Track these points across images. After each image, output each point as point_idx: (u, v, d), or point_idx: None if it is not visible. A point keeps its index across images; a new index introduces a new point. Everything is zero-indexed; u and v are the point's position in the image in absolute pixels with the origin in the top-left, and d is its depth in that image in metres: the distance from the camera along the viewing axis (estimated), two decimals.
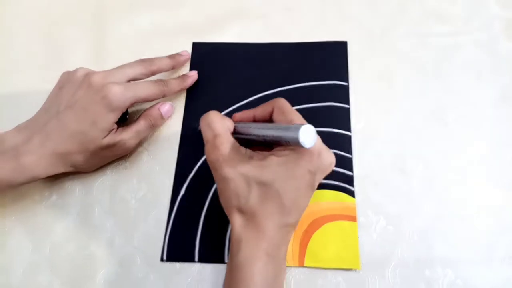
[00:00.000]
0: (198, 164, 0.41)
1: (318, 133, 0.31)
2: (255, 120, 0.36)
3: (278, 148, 0.34)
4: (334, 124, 0.41)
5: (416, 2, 0.47)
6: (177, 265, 0.37)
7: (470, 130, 0.40)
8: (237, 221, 0.32)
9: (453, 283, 0.34)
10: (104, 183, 0.41)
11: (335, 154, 0.38)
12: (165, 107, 0.42)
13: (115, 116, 0.37)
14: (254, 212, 0.31)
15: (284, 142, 0.31)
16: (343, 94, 0.42)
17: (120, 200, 0.40)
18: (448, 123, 0.41)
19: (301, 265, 0.36)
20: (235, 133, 0.35)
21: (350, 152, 0.40)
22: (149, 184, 0.40)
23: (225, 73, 0.45)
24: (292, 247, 0.37)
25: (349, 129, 0.41)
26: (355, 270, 0.36)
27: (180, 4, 0.49)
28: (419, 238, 0.36)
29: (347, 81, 0.43)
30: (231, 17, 0.48)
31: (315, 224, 0.37)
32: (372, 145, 0.40)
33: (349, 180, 0.39)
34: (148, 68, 0.41)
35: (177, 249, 0.38)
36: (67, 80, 0.39)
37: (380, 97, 0.42)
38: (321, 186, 0.38)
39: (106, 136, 0.38)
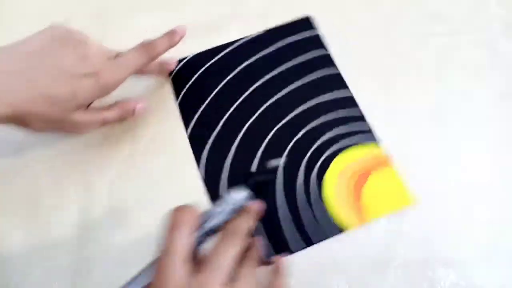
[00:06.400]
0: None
1: None
2: None
3: None
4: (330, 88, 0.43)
5: (416, 2, 0.47)
6: None
7: (471, 130, 0.40)
8: None
9: (456, 284, 0.34)
10: (103, 183, 0.40)
11: (344, 117, 0.41)
12: (139, 105, 0.40)
13: (99, 97, 0.37)
14: None
15: None
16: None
17: (118, 201, 0.40)
18: (448, 123, 0.40)
19: (364, 222, 0.37)
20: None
21: (356, 105, 0.42)
22: (148, 185, 0.40)
23: (211, 83, 0.45)
24: (349, 211, 0.37)
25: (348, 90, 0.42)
26: (411, 206, 0.37)
27: (180, 5, 0.50)
28: (421, 238, 0.36)
29: (326, 49, 0.44)
30: (231, 17, 0.48)
31: (360, 181, 0.39)
32: None
33: (367, 130, 0.40)
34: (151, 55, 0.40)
35: None
36: (66, 38, 0.36)
37: (380, 97, 0.42)
38: (348, 146, 0.40)
39: (75, 111, 0.35)
